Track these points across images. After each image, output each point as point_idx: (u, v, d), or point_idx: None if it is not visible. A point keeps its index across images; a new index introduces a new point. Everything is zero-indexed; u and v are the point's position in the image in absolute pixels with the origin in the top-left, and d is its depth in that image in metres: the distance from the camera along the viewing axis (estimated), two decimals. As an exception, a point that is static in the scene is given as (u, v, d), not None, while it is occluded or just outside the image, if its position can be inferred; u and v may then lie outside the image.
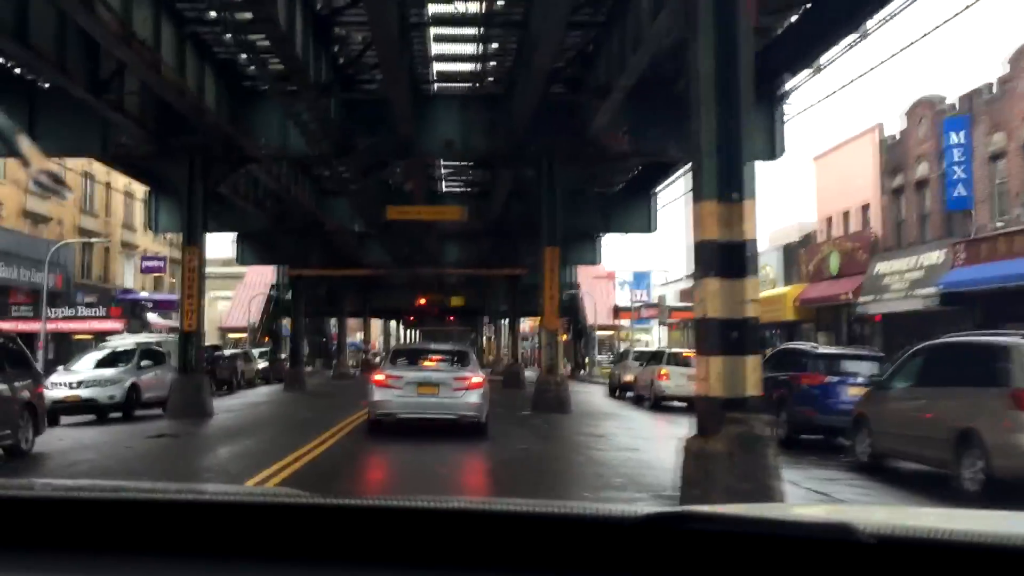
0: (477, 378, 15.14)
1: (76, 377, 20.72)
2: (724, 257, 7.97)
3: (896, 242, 30.95)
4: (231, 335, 61.28)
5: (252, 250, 44.07)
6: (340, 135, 21.44)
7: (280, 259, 39.46)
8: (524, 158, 22.15)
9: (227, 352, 40.60)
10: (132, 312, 42.02)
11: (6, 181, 37.76)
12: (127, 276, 50.88)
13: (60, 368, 22.56)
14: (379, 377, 15.21)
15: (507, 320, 62.18)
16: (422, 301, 57.24)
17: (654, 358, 27.35)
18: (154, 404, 21.72)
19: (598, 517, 1.24)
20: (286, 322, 72.68)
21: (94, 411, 20.55)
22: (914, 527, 1.20)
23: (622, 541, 1.19)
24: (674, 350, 27.22)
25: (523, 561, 1.20)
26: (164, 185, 33.57)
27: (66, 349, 36.76)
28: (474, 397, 14.92)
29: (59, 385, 20.44)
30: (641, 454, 13.55)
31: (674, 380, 25.41)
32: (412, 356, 16.83)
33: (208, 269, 75.20)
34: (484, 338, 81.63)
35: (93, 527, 1.30)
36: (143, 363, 22.16)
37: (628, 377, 30.75)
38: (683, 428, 18.13)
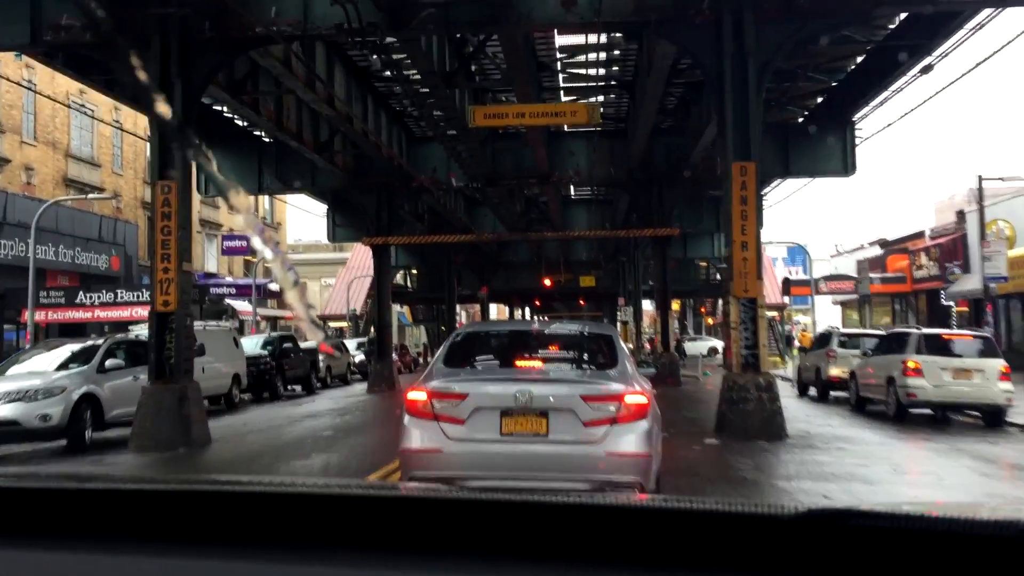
0: (635, 395, 6.48)
1: (-6, 387, 13.22)
2: None
3: None
4: (332, 324, 54.51)
5: (345, 225, 36.77)
6: (392, -6, 13.20)
7: (375, 232, 31.74)
8: (694, 16, 13.32)
9: (305, 344, 33.34)
10: (201, 298, 35.14)
11: (39, 143, 31.40)
12: (209, 259, 44.56)
13: (-11, 373, 15.08)
14: (416, 396, 6.63)
15: (649, 301, 53.31)
16: (547, 282, 49.05)
17: (891, 343, 18.06)
18: (130, 424, 14.11)
19: (756, 513, 1.22)
20: (404, 309, 66.34)
21: (18, 437, 13.06)
22: None
23: (780, 537, 1.16)
24: (927, 331, 17.82)
25: (679, 558, 1.17)
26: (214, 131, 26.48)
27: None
28: (631, 440, 6.33)
29: (-34, 401, 13.01)
30: None
31: (930, 377, 16.22)
32: (496, 349, 7.78)
33: (316, 255, 68.74)
34: (619, 323, 72.67)
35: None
36: (110, 363, 14.53)
37: (836, 371, 21.58)
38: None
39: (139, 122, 33.82)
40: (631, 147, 26.00)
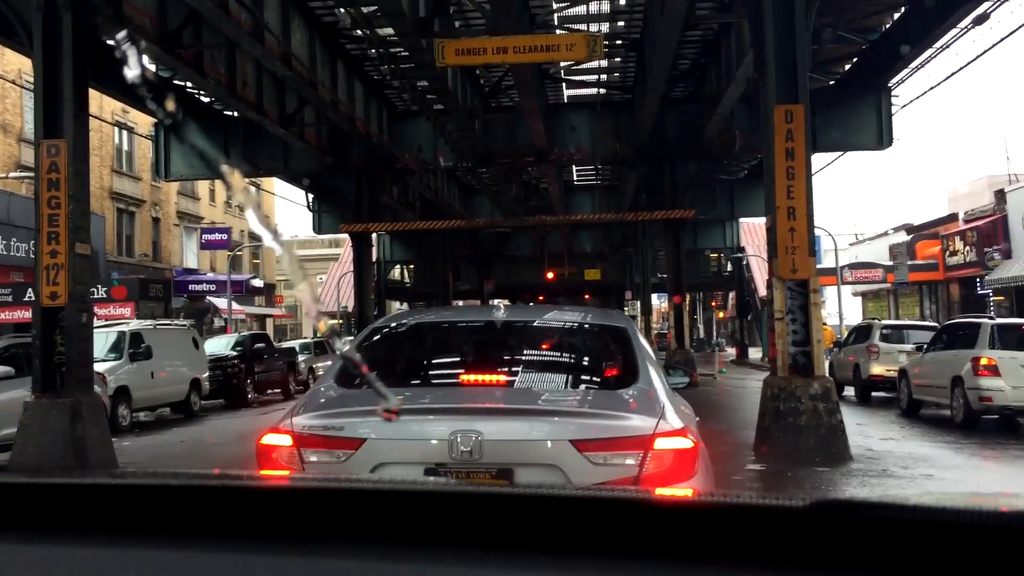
0: (673, 438, 3.60)
1: None
2: None
3: None
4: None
5: (329, 212, 33.96)
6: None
7: (355, 218, 28.85)
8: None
9: (286, 344, 30.64)
10: (166, 294, 32.33)
11: (-14, 124, 28.61)
12: (188, 254, 41.67)
13: None
14: (275, 442, 3.74)
15: (657, 295, 50.40)
16: (550, 276, 46.37)
17: (954, 336, 15.14)
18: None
19: (764, 506, 1.23)
20: (404, 307, 63.55)
21: None
22: None
23: (788, 530, 1.15)
24: (1001, 321, 14.87)
25: (689, 553, 1.16)
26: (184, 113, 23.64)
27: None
28: None
29: None
30: None
31: (1009, 377, 13.33)
32: (433, 354, 4.85)
33: (311, 251, 65.87)
34: (626, 318, 69.47)
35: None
36: (-6, 372, 11.70)
37: (879, 369, 18.74)
38: None
39: (104, 105, 31.02)
40: (639, 119, 23.10)
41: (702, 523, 1.20)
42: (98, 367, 14.14)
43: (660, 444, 3.53)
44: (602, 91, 24.26)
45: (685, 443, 3.60)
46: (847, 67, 23.96)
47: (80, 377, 10.71)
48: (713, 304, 70.16)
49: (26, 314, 25.66)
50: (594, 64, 21.81)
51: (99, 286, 27.16)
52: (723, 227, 46.17)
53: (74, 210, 10.64)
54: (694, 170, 26.00)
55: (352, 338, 21.97)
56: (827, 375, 11.03)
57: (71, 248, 10.59)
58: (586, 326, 4.99)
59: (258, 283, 43.37)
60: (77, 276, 10.70)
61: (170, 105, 1.68)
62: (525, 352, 4.62)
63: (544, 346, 4.73)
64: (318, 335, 28.29)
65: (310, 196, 34.00)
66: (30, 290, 26.13)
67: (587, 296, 63.04)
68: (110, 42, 14.22)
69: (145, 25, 14.02)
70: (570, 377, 4.46)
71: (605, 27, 19.95)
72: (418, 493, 1.38)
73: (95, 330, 17.35)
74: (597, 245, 47.19)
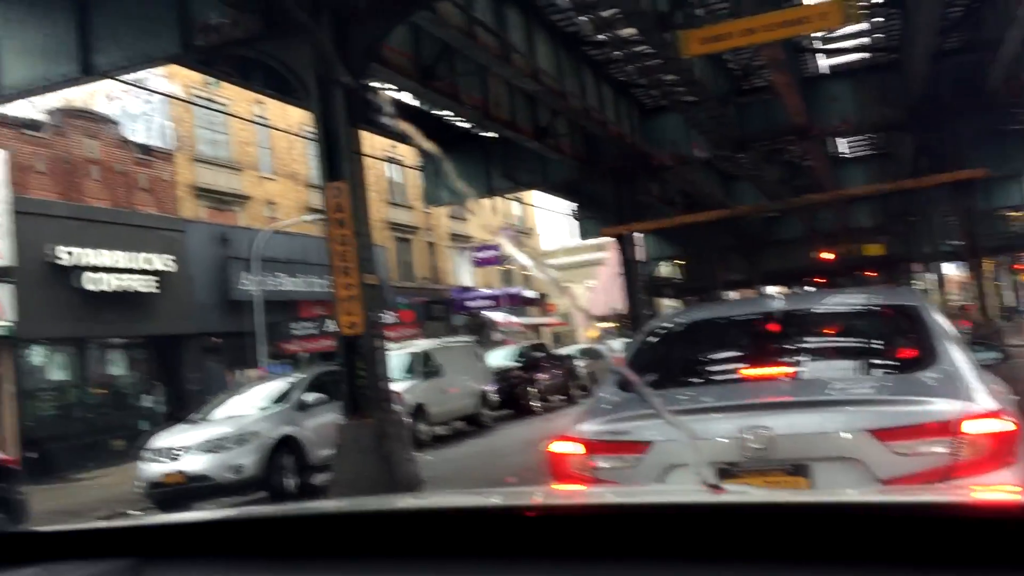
0: (987, 419, 3.25)
1: (183, 439, 11.88)
2: None
3: None
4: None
5: (591, 218, 34.48)
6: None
7: (616, 221, 29.11)
8: None
9: (563, 351, 31.31)
10: (447, 313, 34.13)
11: (278, 176, 31.69)
12: (462, 273, 43.80)
13: (192, 419, 13.67)
14: (565, 449, 3.79)
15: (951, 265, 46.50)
16: (826, 256, 44.25)
17: None
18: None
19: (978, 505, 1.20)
20: (674, 303, 63.18)
21: (211, 493, 11.58)
22: None
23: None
24: None
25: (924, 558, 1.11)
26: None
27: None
28: None
29: (158, 456, 11.73)
30: None
31: None
32: (712, 351, 4.62)
33: (577, 258, 67.10)
34: (914, 293, 64.52)
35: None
36: (311, 398, 12.89)
37: None
38: None
39: (376, 143, 33.42)
40: (908, 79, 21.49)
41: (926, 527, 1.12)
42: (395, 387, 15.23)
43: (971, 428, 3.23)
44: (863, 55, 22.83)
45: (1002, 425, 3.28)
46: None
47: (380, 398, 11.54)
48: (1018, 267, 63.72)
49: (327, 343, 28.22)
50: (851, 29, 20.55)
51: (388, 311, 29.22)
52: (1019, 182, 41.88)
53: (360, 245, 11.50)
54: (978, 124, 23.83)
55: (629, 341, 21.96)
56: None
57: (361, 280, 11.45)
58: (872, 307, 4.71)
59: (530, 294, 44.72)
60: (369, 305, 11.55)
61: (429, 142, 1.77)
62: (808, 341, 4.41)
63: (828, 333, 4.51)
64: (590, 343, 28.82)
65: (573, 204, 34.68)
66: (328, 321, 28.71)
67: (869, 273, 59.42)
68: (375, 85, 15.36)
69: (404, 65, 14.94)
70: (860, 363, 4.18)
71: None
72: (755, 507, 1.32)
73: (389, 352, 18.70)
74: (875, 218, 44.36)
